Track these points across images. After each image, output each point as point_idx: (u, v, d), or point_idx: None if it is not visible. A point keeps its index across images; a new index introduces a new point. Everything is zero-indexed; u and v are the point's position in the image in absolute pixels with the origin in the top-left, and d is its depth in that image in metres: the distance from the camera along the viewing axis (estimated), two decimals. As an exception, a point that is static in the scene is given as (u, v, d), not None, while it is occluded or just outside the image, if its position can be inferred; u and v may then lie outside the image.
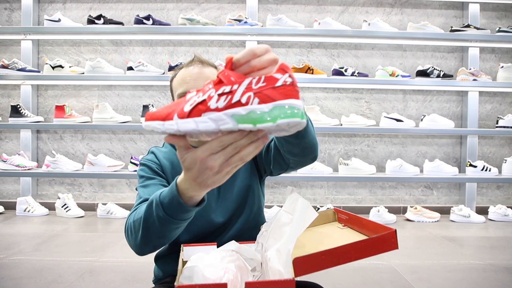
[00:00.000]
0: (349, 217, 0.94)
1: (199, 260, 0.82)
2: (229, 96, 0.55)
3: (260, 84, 0.54)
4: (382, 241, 0.72)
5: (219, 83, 0.57)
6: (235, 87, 0.55)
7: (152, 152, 1.14)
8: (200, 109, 0.56)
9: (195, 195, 0.70)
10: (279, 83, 0.54)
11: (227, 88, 0.55)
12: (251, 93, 0.54)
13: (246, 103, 0.54)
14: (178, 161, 1.03)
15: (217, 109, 0.55)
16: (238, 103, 0.54)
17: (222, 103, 0.55)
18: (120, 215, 3.00)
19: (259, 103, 0.53)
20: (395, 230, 0.72)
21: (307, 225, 0.73)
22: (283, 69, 0.55)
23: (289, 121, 0.51)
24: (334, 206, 2.98)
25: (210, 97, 0.56)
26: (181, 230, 0.83)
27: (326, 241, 0.87)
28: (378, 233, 0.77)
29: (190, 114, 0.56)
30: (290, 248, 0.69)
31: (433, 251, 2.31)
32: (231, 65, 0.57)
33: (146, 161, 1.11)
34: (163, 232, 0.79)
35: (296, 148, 0.89)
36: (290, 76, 0.55)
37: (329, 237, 0.90)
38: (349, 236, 0.87)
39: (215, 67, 1.13)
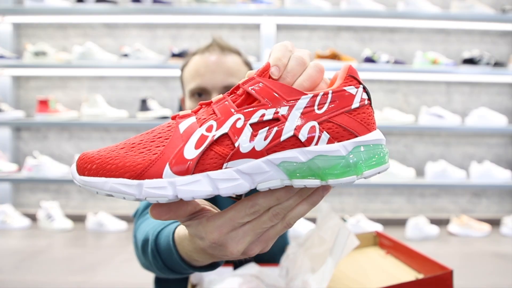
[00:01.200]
0: (393, 243, 0.90)
1: (213, 286, 0.80)
2: (275, 129, 0.37)
3: (327, 106, 0.38)
4: (435, 283, 0.69)
5: (246, 100, 0.39)
6: (283, 110, 0.37)
7: None
8: (218, 153, 0.37)
9: (202, 262, 0.54)
10: (355, 104, 0.39)
11: (268, 113, 0.37)
12: (315, 123, 0.37)
13: (309, 142, 0.37)
14: None
15: (253, 154, 0.37)
16: (293, 141, 0.37)
17: (262, 141, 0.37)
18: (113, 228, 2.93)
19: (329, 141, 0.37)
20: (451, 271, 0.69)
21: (344, 256, 0.71)
22: (354, 78, 0.39)
23: (378, 169, 0.38)
24: (366, 217, 2.95)
25: (236, 130, 0.37)
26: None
27: (365, 273, 0.83)
28: (430, 271, 0.75)
29: (198, 166, 0.37)
30: (323, 287, 0.68)
31: (482, 269, 2.28)
32: (267, 72, 0.39)
33: None
34: (164, 275, 0.68)
35: None
36: (364, 89, 0.39)
37: (370, 268, 0.86)
38: (393, 268, 0.85)
39: (240, 54, 1.05)
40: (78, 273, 2.14)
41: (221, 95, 0.41)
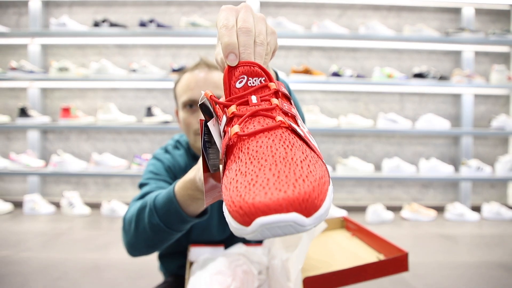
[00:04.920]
0: (358, 227, 0.89)
1: (206, 264, 0.79)
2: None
3: None
4: (393, 263, 0.69)
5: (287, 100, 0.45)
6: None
7: (168, 152, 1.04)
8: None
9: (198, 208, 0.58)
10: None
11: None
12: None
13: None
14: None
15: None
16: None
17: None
18: (124, 213, 2.90)
19: None
20: (407, 253, 0.69)
21: (315, 236, 0.70)
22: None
23: None
24: (333, 204, 3.00)
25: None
26: (172, 241, 0.74)
27: (334, 254, 0.82)
28: (388, 253, 0.75)
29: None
30: (299, 267, 0.66)
31: (429, 248, 2.29)
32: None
33: (162, 157, 1.01)
34: (153, 241, 0.68)
35: None
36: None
37: (338, 249, 0.85)
38: (358, 249, 0.84)
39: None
40: (94, 251, 2.15)
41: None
